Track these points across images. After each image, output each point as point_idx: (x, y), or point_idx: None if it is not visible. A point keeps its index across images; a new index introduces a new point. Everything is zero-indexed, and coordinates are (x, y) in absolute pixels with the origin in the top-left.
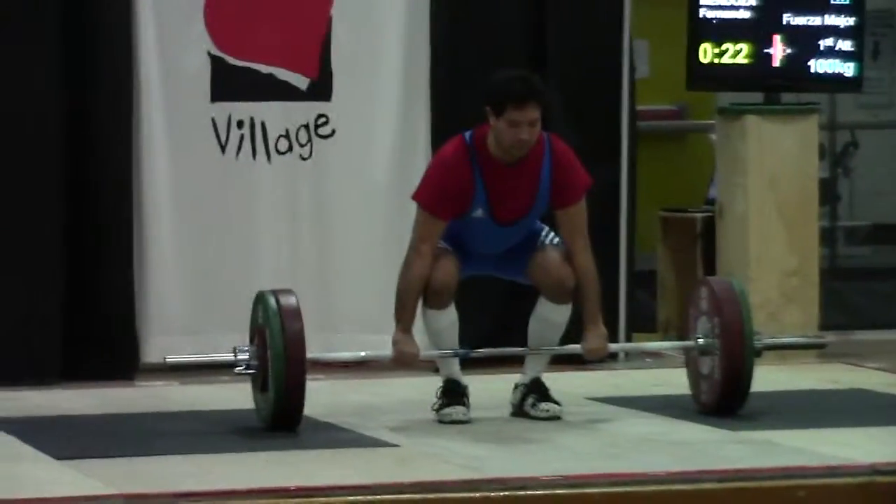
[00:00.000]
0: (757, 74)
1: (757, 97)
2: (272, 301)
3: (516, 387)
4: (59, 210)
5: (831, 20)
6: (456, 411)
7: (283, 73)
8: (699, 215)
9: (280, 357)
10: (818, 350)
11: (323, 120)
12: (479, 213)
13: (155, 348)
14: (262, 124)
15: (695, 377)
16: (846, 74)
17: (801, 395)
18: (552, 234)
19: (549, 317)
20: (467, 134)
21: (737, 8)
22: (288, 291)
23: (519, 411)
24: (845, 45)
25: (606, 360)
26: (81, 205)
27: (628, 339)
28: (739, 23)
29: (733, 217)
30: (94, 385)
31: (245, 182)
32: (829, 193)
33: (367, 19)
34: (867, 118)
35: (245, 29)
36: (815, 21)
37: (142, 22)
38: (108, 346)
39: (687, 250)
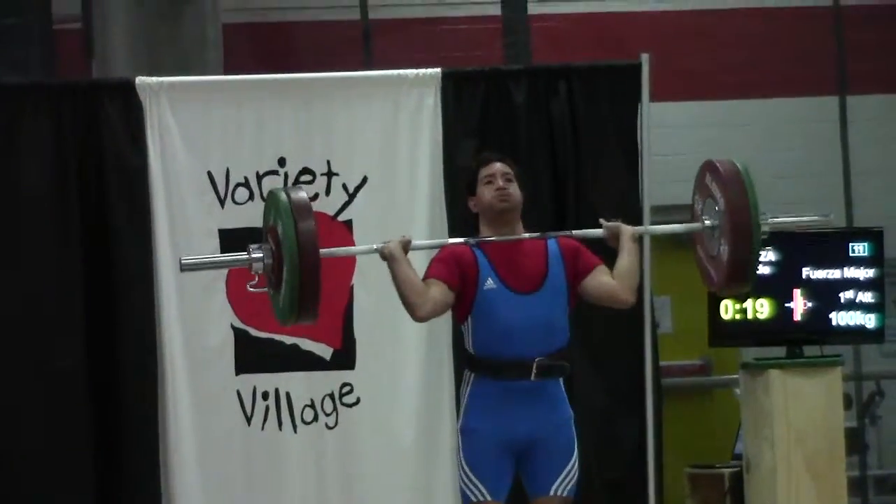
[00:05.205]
0: (779, 329)
1: (780, 351)
2: (283, 197)
3: None
4: (89, 487)
5: (851, 273)
6: None
7: (306, 344)
8: (727, 471)
9: (293, 251)
10: None
11: (348, 389)
12: (489, 283)
13: None
14: (287, 395)
15: (706, 262)
16: (868, 326)
17: None
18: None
19: None
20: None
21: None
22: (297, 188)
23: None
24: (866, 296)
25: None
26: (110, 479)
27: None
28: (760, 278)
29: (761, 471)
30: None
31: (272, 453)
32: (857, 443)
33: (389, 286)
34: (891, 367)
35: (267, 300)
36: (835, 274)
37: (164, 296)
38: None
39: None
